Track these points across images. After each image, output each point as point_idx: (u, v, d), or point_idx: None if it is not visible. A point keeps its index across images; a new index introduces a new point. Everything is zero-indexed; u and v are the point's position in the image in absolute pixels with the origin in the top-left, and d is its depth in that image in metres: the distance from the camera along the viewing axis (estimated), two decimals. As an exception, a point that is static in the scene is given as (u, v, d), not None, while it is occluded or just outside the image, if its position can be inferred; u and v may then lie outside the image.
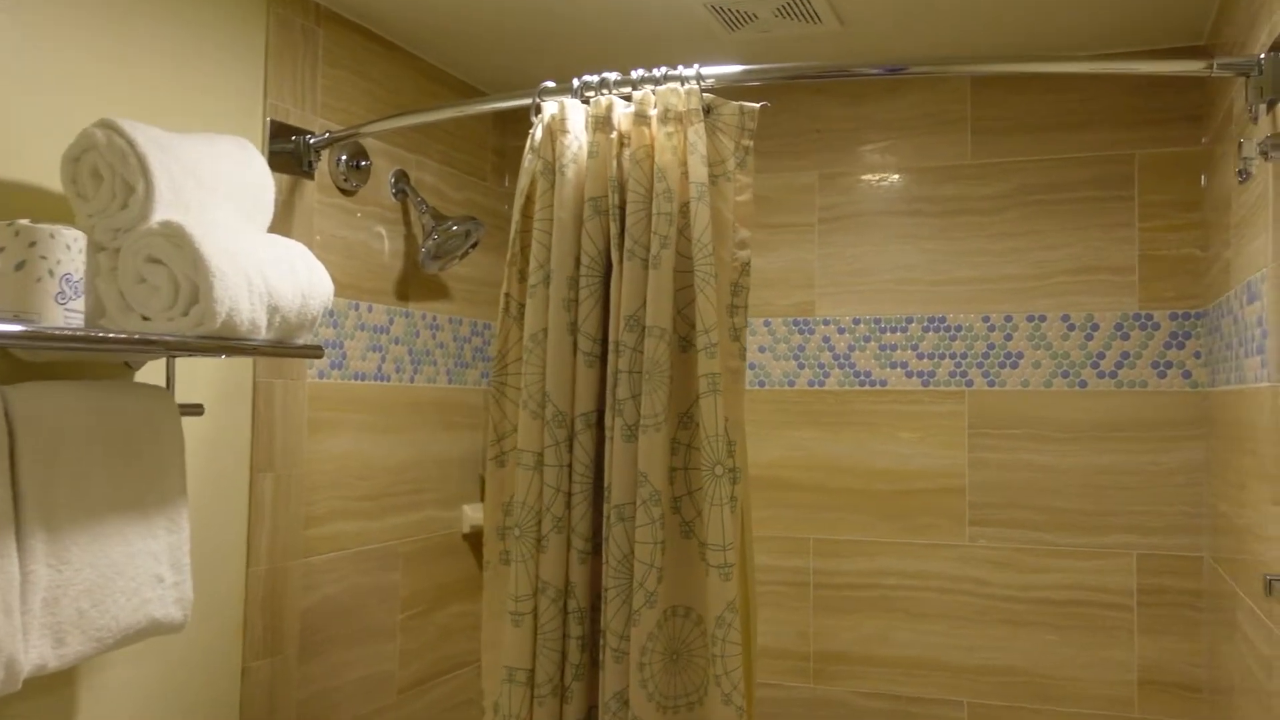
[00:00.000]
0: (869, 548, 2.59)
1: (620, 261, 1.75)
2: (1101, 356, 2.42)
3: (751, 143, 1.77)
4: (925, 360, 2.56)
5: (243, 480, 2.02)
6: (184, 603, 1.67)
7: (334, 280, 2.24)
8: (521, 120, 2.83)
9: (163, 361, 1.81)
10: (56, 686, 1.66)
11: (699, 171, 1.70)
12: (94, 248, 1.56)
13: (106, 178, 1.53)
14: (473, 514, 2.70)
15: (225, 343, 1.56)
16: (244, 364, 2.02)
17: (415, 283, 2.53)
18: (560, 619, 1.76)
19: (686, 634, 1.72)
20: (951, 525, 2.52)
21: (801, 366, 2.67)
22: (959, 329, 2.54)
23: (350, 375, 2.30)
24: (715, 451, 1.65)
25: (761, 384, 2.70)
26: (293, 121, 2.13)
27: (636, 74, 1.80)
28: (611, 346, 1.74)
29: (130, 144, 1.51)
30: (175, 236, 1.50)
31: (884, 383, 2.60)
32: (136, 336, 1.48)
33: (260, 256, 1.61)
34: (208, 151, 1.65)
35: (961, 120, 2.56)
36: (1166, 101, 2.40)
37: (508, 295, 1.87)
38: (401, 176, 2.46)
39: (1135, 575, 2.37)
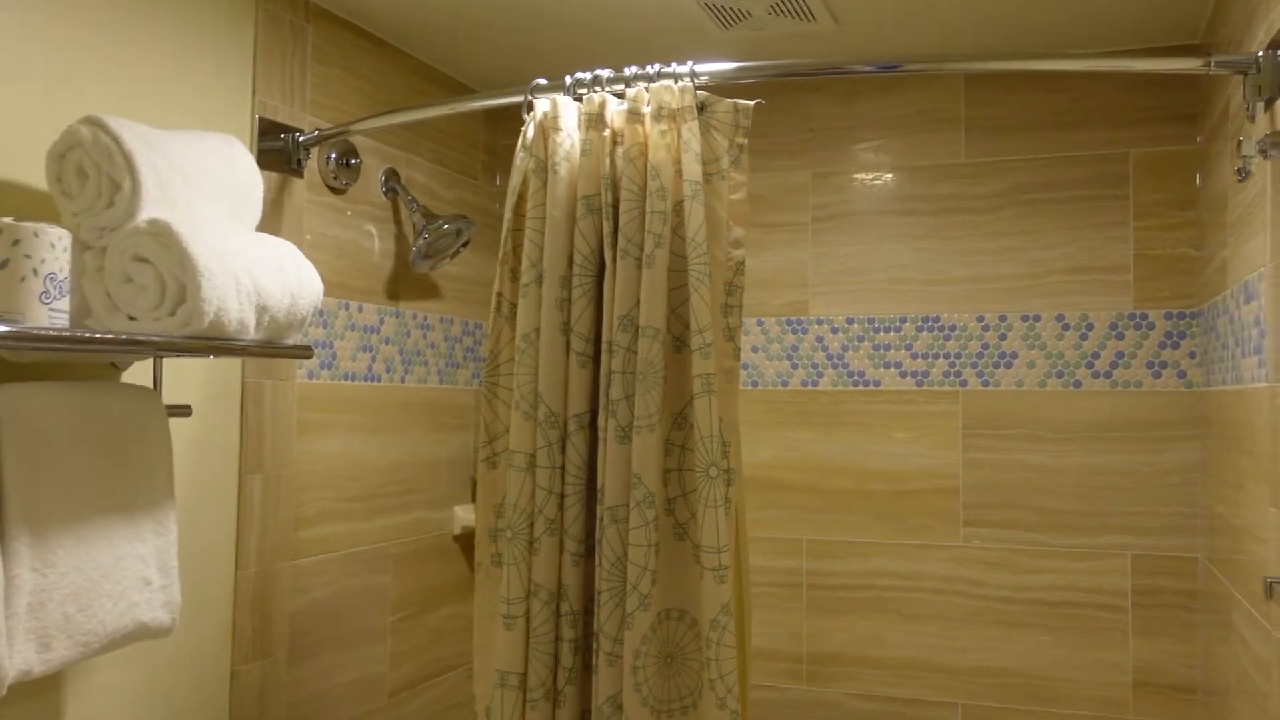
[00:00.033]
0: (862, 549, 2.57)
1: (614, 261, 1.73)
2: (1096, 356, 2.42)
3: (746, 141, 1.75)
4: (919, 360, 2.55)
5: (231, 482, 2.00)
6: (172, 606, 1.65)
7: (324, 279, 2.22)
8: (513, 118, 2.80)
9: (150, 362, 1.79)
10: (42, 692, 1.64)
11: (693, 170, 1.69)
12: (79, 246, 1.54)
13: (92, 175, 1.51)
14: (464, 515, 2.68)
15: (213, 343, 1.54)
16: (232, 364, 2.00)
17: (406, 282, 2.51)
18: (553, 622, 1.74)
19: (681, 637, 1.70)
20: (945, 526, 2.51)
21: (795, 366, 2.66)
22: (953, 329, 2.53)
23: (340, 375, 2.28)
24: (710, 453, 1.64)
25: (755, 384, 2.69)
26: (282, 119, 2.11)
27: (630, 71, 1.78)
28: (605, 347, 1.72)
29: (116, 141, 1.49)
30: (162, 235, 1.48)
31: (878, 383, 2.59)
32: (123, 337, 1.47)
33: (248, 255, 1.59)
34: (195, 149, 1.63)
35: (956, 119, 2.55)
36: (1161, 100, 2.39)
37: (500, 295, 1.85)
38: (392, 175, 2.44)
39: (1130, 576, 2.36)
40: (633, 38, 2.40)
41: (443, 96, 2.64)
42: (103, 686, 1.74)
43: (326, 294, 2.24)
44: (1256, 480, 1.69)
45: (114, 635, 1.55)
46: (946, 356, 2.53)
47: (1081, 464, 2.41)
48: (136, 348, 1.47)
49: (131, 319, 1.52)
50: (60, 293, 1.45)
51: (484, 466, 1.86)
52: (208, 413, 1.95)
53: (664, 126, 1.72)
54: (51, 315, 1.44)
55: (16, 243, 1.41)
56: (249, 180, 1.73)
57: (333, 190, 2.27)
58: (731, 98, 1.77)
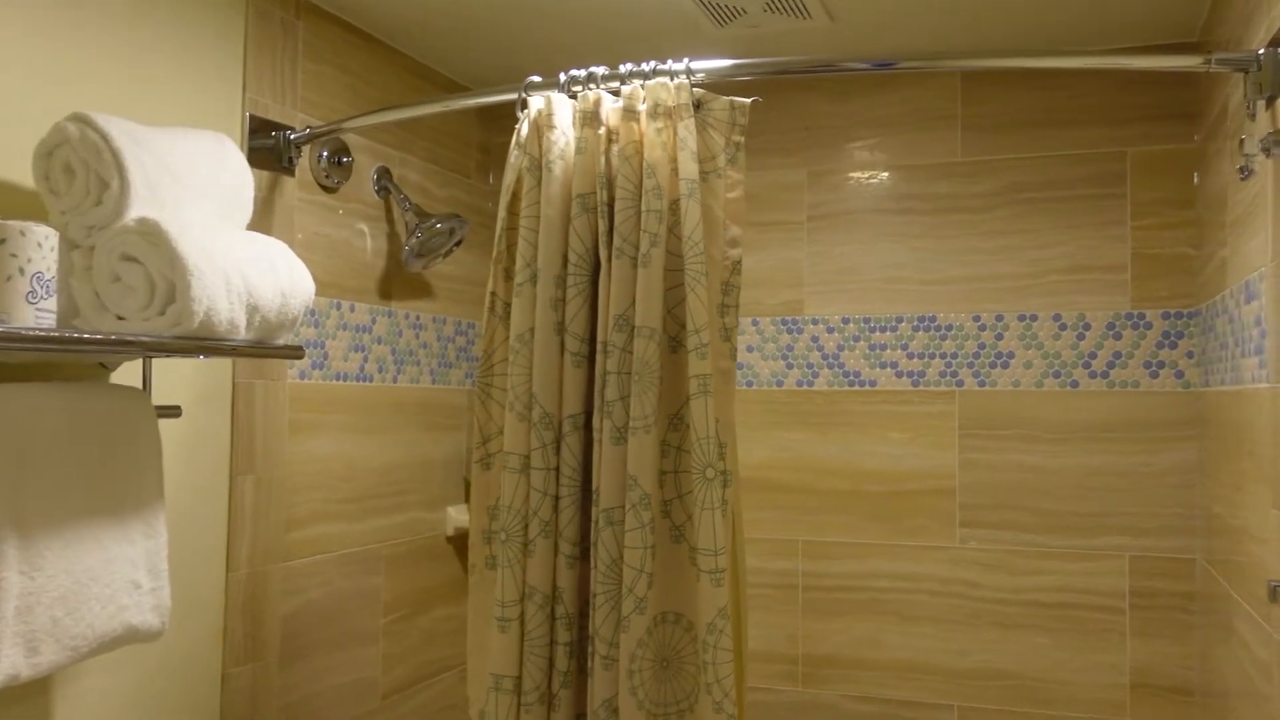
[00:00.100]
0: (858, 550, 2.56)
1: (609, 260, 1.72)
2: (1093, 356, 2.40)
3: (742, 138, 1.74)
4: (915, 360, 2.54)
5: (222, 483, 1.98)
6: (162, 609, 1.63)
7: (315, 279, 2.20)
8: (507, 116, 2.79)
9: (139, 362, 1.77)
10: (30, 696, 1.62)
11: (689, 168, 1.67)
12: (67, 245, 1.52)
13: (80, 173, 1.49)
14: (457, 516, 2.66)
15: (203, 343, 1.52)
16: (223, 364, 1.98)
17: (398, 281, 2.49)
18: (548, 625, 1.72)
19: (677, 641, 1.69)
20: (942, 527, 2.49)
21: (790, 366, 2.64)
22: (949, 328, 2.51)
23: (332, 375, 2.26)
24: (706, 454, 1.62)
25: (749, 384, 2.67)
26: (273, 116, 2.09)
27: (625, 68, 1.77)
28: (600, 347, 1.71)
29: (104, 138, 1.47)
30: (151, 234, 1.46)
31: (873, 383, 2.57)
32: (112, 337, 1.45)
33: (239, 254, 1.57)
34: (185, 146, 1.61)
35: (952, 117, 2.54)
36: (1159, 99, 2.38)
37: (493, 294, 1.83)
38: (384, 173, 2.42)
39: (1127, 577, 2.35)
40: (627, 35, 2.38)
41: (436, 94, 2.62)
42: (92, 690, 1.72)
43: (318, 293, 2.22)
44: (1257, 482, 1.67)
45: (103, 639, 1.53)
46: (943, 356, 2.52)
47: (1079, 465, 2.40)
48: (125, 348, 1.45)
49: (120, 319, 1.50)
50: (47, 292, 1.43)
51: (478, 468, 1.84)
52: (198, 413, 1.93)
53: (660, 124, 1.70)
54: (38, 315, 1.42)
55: (2, 242, 1.39)
56: (239, 178, 1.71)
57: (324, 189, 2.25)
58: (727, 96, 1.75)
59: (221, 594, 1.97)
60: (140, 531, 1.61)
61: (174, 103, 1.88)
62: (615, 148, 1.74)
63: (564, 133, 1.78)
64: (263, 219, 2.07)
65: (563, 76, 1.80)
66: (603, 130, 1.76)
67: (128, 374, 1.76)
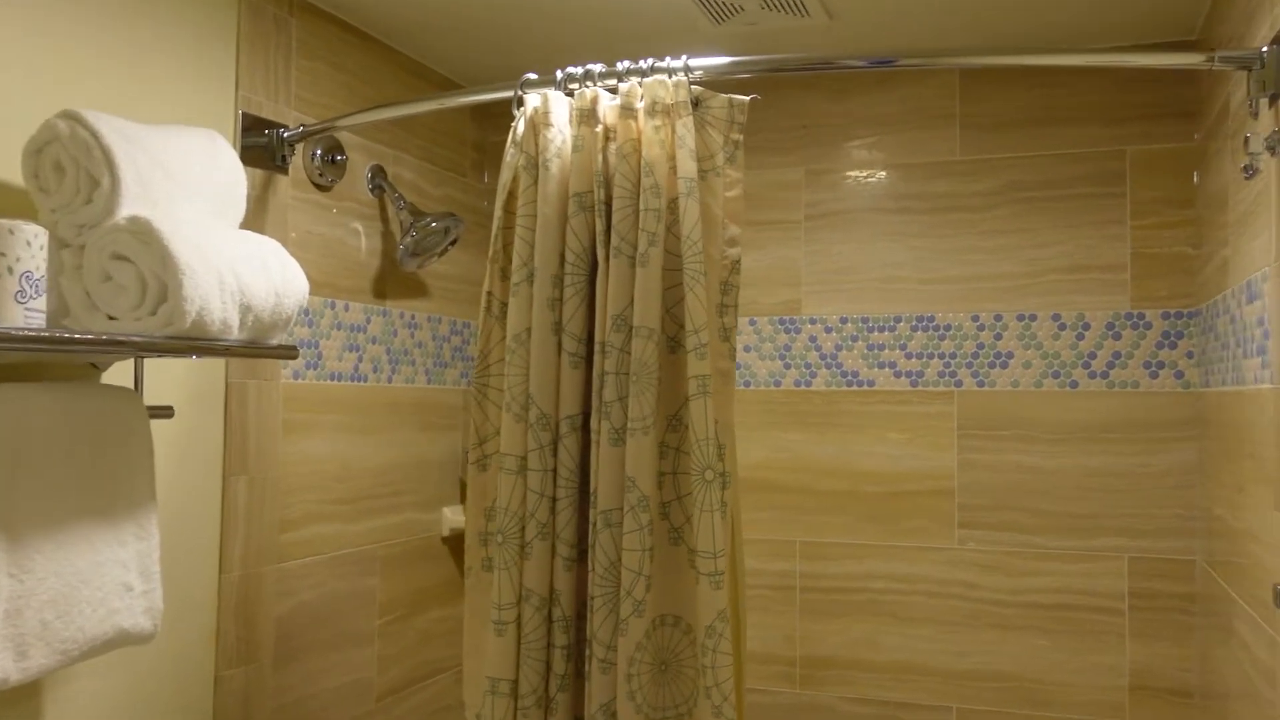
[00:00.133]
0: (856, 550, 2.55)
1: (606, 259, 1.70)
2: (1093, 356, 2.39)
3: (741, 137, 1.72)
4: (914, 360, 2.53)
5: (215, 484, 1.96)
6: (154, 612, 1.61)
7: (309, 278, 2.18)
8: (501, 115, 2.77)
9: (130, 362, 1.75)
10: (19, 700, 1.60)
11: (687, 166, 1.65)
12: (57, 244, 1.50)
13: (70, 171, 1.47)
14: (452, 516, 2.65)
15: (196, 343, 1.51)
16: (216, 364, 1.96)
17: (393, 280, 2.47)
18: (545, 628, 1.71)
19: (676, 644, 1.67)
20: (940, 528, 2.48)
21: (787, 366, 2.63)
22: (948, 328, 2.50)
23: (326, 375, 2.24)
24: (705, 456, 1.61)
25: (747, 384, 2.66)
26: (266, 114, 2.07)
27: (622, 66, 1.75)
28: (598, 347, 1.69)
29: (94, 135, 1.45)
30: (142, 232, 1.44)
31: (871, 383, 2.56)
32: (103, 337, 1.43)
33: (232, 253, 1.55)
34: (177, 144, 1.59)
35: (950, 116, 2.52)
36: (1159, 97, 2.37)
37: (490, 294, 1.81)
38: (379, 172, 2.40)
39: (1126, 579, 2.34)
40: (623, 33, 2.36)
41: (431, 93, 2.60)
42: (83, 693, 1.70)
43: (312, 293, 2.20)
44: (1259, 483, 1.66)
45: (94, 642, 1.51)
46: (941, 356, 2.50)
47: (1078, 465, 2.39)
48: (116, 348, 1.44)
49: (111, 319, 1.48)
50: (37, 291, 1.41)
51: (474, 469, 1.82)
52: (190, 414, 1.91)
53: (658, 122, 1.69)
54: (27, 315, 1.40)
55: (-9, 240, 1.37)
56: (232, 176, 1.69)
57: (318, 187, 2.23)
58: (725, 94, 1.73)
59: (214, 596, 1.96)
60: (132, 533, 1.59)
61: (165, 100, 1.86)
62: (613, 146, 1.73)
63: (561, 131, 1.76)
64: (256, 218, 2.05)
65: (559, 74, 1.79)
66: (600, 128, 1.74)
67: (119, 374, 1.74)
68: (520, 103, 1.80)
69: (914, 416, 2.52)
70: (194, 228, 1.51)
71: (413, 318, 2.54)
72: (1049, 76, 2.45)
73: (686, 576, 1.66)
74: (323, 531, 2.23)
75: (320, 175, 2.22)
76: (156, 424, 1.82)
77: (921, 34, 2.35)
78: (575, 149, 1.73)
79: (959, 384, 2.49)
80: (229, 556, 1.98)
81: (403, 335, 2.50)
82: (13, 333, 1.32)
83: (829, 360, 2.60)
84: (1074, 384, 2.40)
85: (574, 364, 1.71)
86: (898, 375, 2.54)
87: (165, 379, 1.85)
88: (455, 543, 2.69)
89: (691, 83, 1.71)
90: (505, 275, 1.81)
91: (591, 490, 1.69)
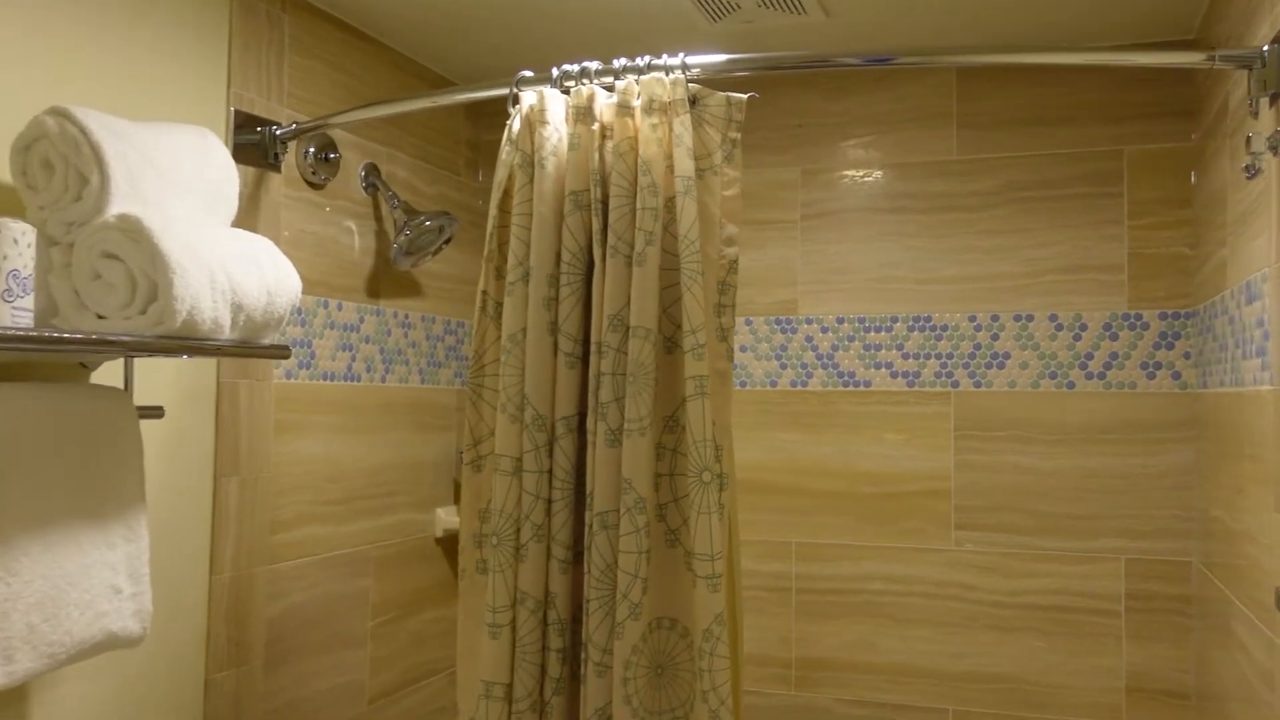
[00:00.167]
0: (852, 552, 2.53)
1: (603, 259, 1.68)
2: (1090, 357, 2.38)
3: (739, 135, 1.71)
4: (910, 360, 2.51)
5: (206, 485, 1.94)
6: (143, 615, 1.59)
7: (302, 277, 2.17)
8: (496, 113, 2.76)
9: (120, 362, 1.72)
10: (5, 704, 1.58)
11: (685, 165, 1.64)
12: (45, 242, 1.48)
13: (58, 168, 1.45)
14: (446, 517, 2.63)
15: (186, 343, 1.49)
16: (207, 364, 1.94)
17: (387, 279, 2.45)
18: (540, 631, 1.69)
19: (672, 647, 1.65)
20: (937, 529, 2.47)
21: (784, 366, 2.61)
22: (945, 328, 2.49)
23: (319, 375, 2.22)
24: (702, 457, 1.59)
25: (743, 384, 2.64)
26: (258, 111, 2.05)
27: (619, 63, 1.73)
28: (594, 347, 1.67)
29: (84, 132, 1.43)
30: (132, 230, 1.42)
31: (868, 383, 2.55)
32: (92, 337, 1.41)
33: (223, 252, 1.53)
34: (167, 141, 1.57)
35: (947, 115, 2.51)
36: (1156, 96, 2.36)
37: (485, 293, 1.80)
38: (372, 170, 2.38)
39: (1123, 580, 2.33)
40: (619, 31, 2.35)
41: (425, 90, 2.58)
42: (71, 697, 1.68)
43: (305, 291, 2.18)
44: (1259, 485, 1.65)
45: (82, 646, 1.50)
46: (938, 357, 2.49)
47: (1075, 466, 2.38)
48: (106, 348, 1.42)
49: (100, 318, 1.46)
50: (24, 290, 1.39)
51: (468, 470, 1.80)
52: (181, 414, 1.89)
53: (655, 120, 1.67)
54: (15, 314, 1.38)
55: (-22, 238, 1.35)
56: (224, 174, 1.67)
57: (311, 185, 2.21)
58: (722, 92, 1.72)
59: (205, 598, 1.94)
60: (121, 535, 1.57)
61: (156, 97, 1.83)
62: (609, 144, 1.71)
63: (557, 128, 1.74)
64: (248, 216, 2.03)
65: (555, 71, 1.77)
66: (596, 126, 1.73)
67: (108, 374, 1.72)
68: (516, 100, 1.79)
69: (910, 417, 2.51)
70: (185, 226, 1.49)
71: (406, 317, 2.52)
72: (1046, 76, 2.43)
73: (683, 579, 1.64)
74: (315, 533, 2.21)
75: (313, 173, 2.20)
76: (146, 424, 1.80)
77: (919, 33, 2.34)
78: (571, 147, 1.71)
79: (956, 384, 2.48)
80: (220, 558, 1.96)
81: (396, 335, 2.48)
82: (0, 332, 1.30)
83: (825, 360, 2.58)
84: (1071, 385, 2.39)
85: (570, 364, 1.70)
86: (894, 376, 2.53)
87: (155, 379, 1.83)
88: (449, 544, 2.67)
89: (688, 81, 1.69)
90: (500, 274, 1.79)
91: (587, 492, 1.68)
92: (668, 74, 1.69)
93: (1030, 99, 2.44)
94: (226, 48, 1.98)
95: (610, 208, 1.68)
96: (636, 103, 1.70)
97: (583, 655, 1.67)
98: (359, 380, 2.35)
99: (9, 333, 1.30)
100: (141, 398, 1.79)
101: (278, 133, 2.06)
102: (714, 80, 1.74)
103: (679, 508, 1.66)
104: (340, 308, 2.29)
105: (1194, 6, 2.16)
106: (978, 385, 2.46)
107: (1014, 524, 2.41)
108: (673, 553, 1.66)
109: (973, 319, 2.47)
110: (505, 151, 1.77)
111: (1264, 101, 1.56)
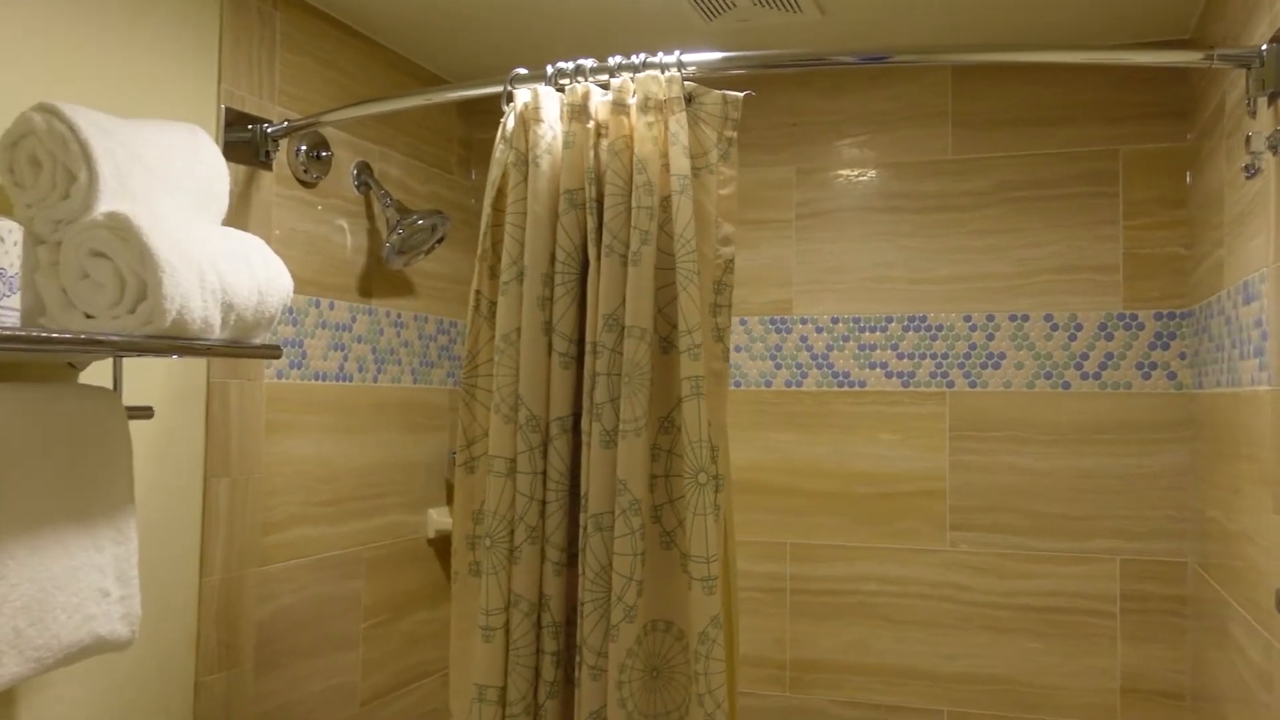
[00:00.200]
0: (847, 552, 2.52)
1: (598, 258, 1.67)
2: (1085, 357, 2.37)
3: (735, 134, 1.69)
4: (905, 360, 2.50)
5: (196, 486, 1.92)
6: (131, 618, 1.57)
7: (293, 276, 2.14)
8: (489, 111, 2.74)
9: (109, 361, 1.70)
10: (-7, 709, 1.56)
11: (681, 163, 1.62)
12: (33, 240, 1.46)
13: (46, 165, 1.43)
14: (439, 518, 2.61)
15: (176, 342, 1.47)
16: (196, 364, 1.92)
17: (379, 279, 2.44)
18: (534, 634, 1.68)
19: (668, 650, 1.64)
20: (932, 530, 2.46)
21: (778, 366, 2.60)
22: (940, 328, 2.48)
23: (310, 375, 2.20)
24: (698, 458, 1.58)
25: (738, 384, 2.63)
26: (249, 109, 2.03)
27: (614, 61, 1.72)
28: (589, 347, 1.66)
29: (72, 129, 1.41)
30: (121, 229, 1.40)
31: (863, 383, 2.54)
32: (80, 336, 1.39)
33: (213, 250, 1.51)
34: (157, 139, 1.55)
35: (943, 114, 2.50)
36: (1152, 96, 2.35)
37: (478, 293, 1.78)
38: (364, 168, 2.37)
39: (1118, 581, 2.33)
40: (614, 29, 2.33)
41: (418, 89, 2.56)
42: (59, 700, 1.66)
43: (296, 291, 2.16)
44: (1256, 485, 1.64)
45: (69, 649, 1.47)
46: (933, 357, 2.48)
47: (1070, 467, 2.37)
48: (94, 348, 1.40)
49: (89, 317, 1.45)
50: (10, 289, 1.37)
51: (462, 471, 1.79)
52: (170, 414, 1.87)
53: (650, 118, 1.66)
54: (1, 314, 1.36)
55: (-36, 236, 1.33)
56: (214, 172, 1.65)
57: (303, 184, 2.19)
58: (718, 90, 1.71)
59: (195, 600, 1.92)
60: (109, 537, 1.55)
61: (146, 94, 1.81)
62: (604, 142, 1.70)
63: (551, 127, 1.73)
64: (239, 214, 2.01)
65: (550, 69, 1.76)
66: (591, 124, 1.71)
67: (97, 373, 1.70)
68: (510, 98, 1.77)
69: (906, 417, 2.50)
70: (174, 224, 1.47)
71: (399, 316, 2.50)
72: (1042, 75, 2.43)
73: (679, 581, 1.63)
74: (306, 534, 2.19)
75: (305, 171, 2.18)
76: (136, 425, 1.78)
77: (914, 31, 2.33)
78: (566, 145, 1.70)
79: (951, 385, 2.47)
80: (210, 560, 1.94)
81: (389, 334, 2.47)
82: (-14, 332, 1.28)
83: (820, 360, 2.57)
84: (1066, 385, 2.39)
85: (564, 364, 1.68)
86: (889, 376, 2.52)
87: (145, 378, 1.81)
88: (441, 545, 2.65)
89: (684, 79, 1.68)
90: (494, 274, 1.78)
91: (582, 493, 1.66)
92: (663, 72, 1.68)
93: (1026, 98, 2.44)
94: (217, 44, 1.96)
95: (605, 206, 1.66)
96: (632, 101, 1.68)
97: (577, 658, 1.66)
98: (351, 380, 2.33)
99: (-4, 332, 1.29)
100: (130, 398, 1.77)
101: (269, 130, 2.04)
102: (710, 78, 1.73)
103: (674, 509, 1.65)
104: (332, 307, 2.27)
105: (1190, 6, 2.15)
106: (973, 385, 2.45)
107: (1009, 524, 2.40)
108: (668, 555, 1.65)
109: (968, 319, 2.46)
110: (499, 150, 1.76)
111: (1262, 101, 1.56)
